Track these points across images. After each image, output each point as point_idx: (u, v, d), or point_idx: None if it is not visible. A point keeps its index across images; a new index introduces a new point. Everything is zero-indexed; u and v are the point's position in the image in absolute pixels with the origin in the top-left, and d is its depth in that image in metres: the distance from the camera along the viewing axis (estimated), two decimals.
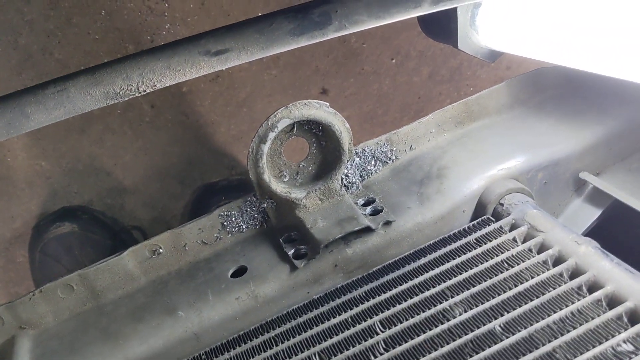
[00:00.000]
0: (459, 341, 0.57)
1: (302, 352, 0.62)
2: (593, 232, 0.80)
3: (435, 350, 0.57)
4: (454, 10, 0.82)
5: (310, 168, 0.80)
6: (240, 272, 0.75)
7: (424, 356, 0.57)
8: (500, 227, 0.71)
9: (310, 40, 0.71)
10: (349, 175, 0.82)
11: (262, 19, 0.71)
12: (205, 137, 1.69)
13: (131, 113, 1.59)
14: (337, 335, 0.63)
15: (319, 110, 0.74)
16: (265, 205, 0.79)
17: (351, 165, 0.82)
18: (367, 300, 0.67)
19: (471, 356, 0.55)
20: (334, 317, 0.66)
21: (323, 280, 0.74)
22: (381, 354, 0.59)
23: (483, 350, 0.56)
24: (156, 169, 1.66)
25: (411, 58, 1.80)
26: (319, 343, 0.63)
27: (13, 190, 1.55)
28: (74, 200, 1.59)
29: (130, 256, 0.77)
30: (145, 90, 0.72)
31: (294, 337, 0.65)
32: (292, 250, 0.75)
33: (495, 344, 0.56)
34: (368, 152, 0.84)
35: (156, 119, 1.62)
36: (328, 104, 0.75)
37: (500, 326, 0.58)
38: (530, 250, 0.66)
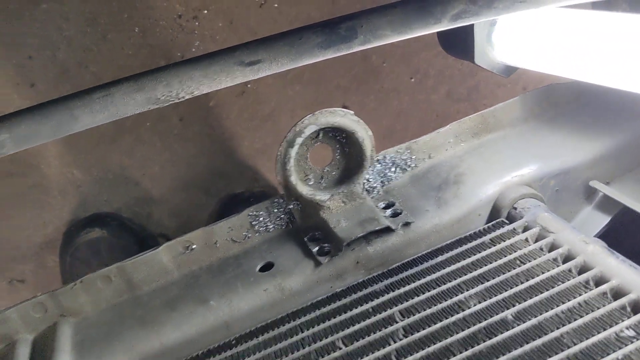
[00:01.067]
0: (473, 328, 0.62)
1: (326, 338, 0.67)
2: (601, 237, 0.83)
3: (451, 336, 0.62)
4: (472, 27, 0.88)
5: (334, 173, 0.85)
6: (267, 267, 0.80)
7: (440, 342, 0.61)
8: (514, 228, 0.76)
9: (336, 53, 0.77)
10: (370, 180, 0.87)
11: (291, 33, 0.77)
12: (230, 149, 1.76)
13: (161, 125, 1.67)
14: (359, 323, 0.67)
15: (344, 117, 0.79)
16: (291, 206, 0.84)
17: (372, 171, 0.87)
18: (387, 294, 0.71)
19: (484, 341, 0.60)
20: (356, 308, 0.70)
21: (345, 276, 0.78)
22: (400, 340, 0.63)
23: (496, 336, 0.60)
24: (182, 180, 1.72)
25: (430, 77, 1.85)
26: (342, 330, 0.67)
27: (46, 197, 1.62)
28: (104, 208, 1.66)
29: (165, 251, 0.83)
30: (184, 97, 0.78)
31: (318, 325, 0.69)
32: (317, 248, 0.79)
33: (507, 330, 0.60)
34: (389, 159, 0.89)
35: (184, 131, 1.69)
36: (353, 112, 0.80)
37: (512, 315, 0.62)
38: (541, 249, 0.71)
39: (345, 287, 0.76)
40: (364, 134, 0.81)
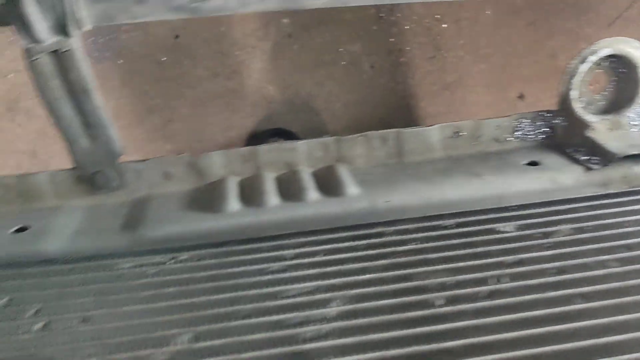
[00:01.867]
0: None
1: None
2: None
3: None
4: None
5: (601, 102, 0.92)
6: (532, 164, 0.88)
7: None
8: None
9: None
10: (633, 117, 0.93)
11: None
12: (406, 107, 1.85)
13: (353, 68, 1.78)
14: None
15: (638, 50, 0.86)
16: (556, 121, 0.92)
17: (636, 110, 0.93)
18: None
19: None
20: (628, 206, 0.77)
21: (610, 186, 0.84)
22: None
23: None
24: (359, 122, 1.83)
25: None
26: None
27: (238, 104, 1.76)
28: (284, 127, 1.79)
29: (437, 130, 0.91)
30: None
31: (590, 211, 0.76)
32: (585, 157, 0.86)
33: None
34: None
35: (372, 79, 1.80)
36: None
37: None
38: None
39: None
40: None
